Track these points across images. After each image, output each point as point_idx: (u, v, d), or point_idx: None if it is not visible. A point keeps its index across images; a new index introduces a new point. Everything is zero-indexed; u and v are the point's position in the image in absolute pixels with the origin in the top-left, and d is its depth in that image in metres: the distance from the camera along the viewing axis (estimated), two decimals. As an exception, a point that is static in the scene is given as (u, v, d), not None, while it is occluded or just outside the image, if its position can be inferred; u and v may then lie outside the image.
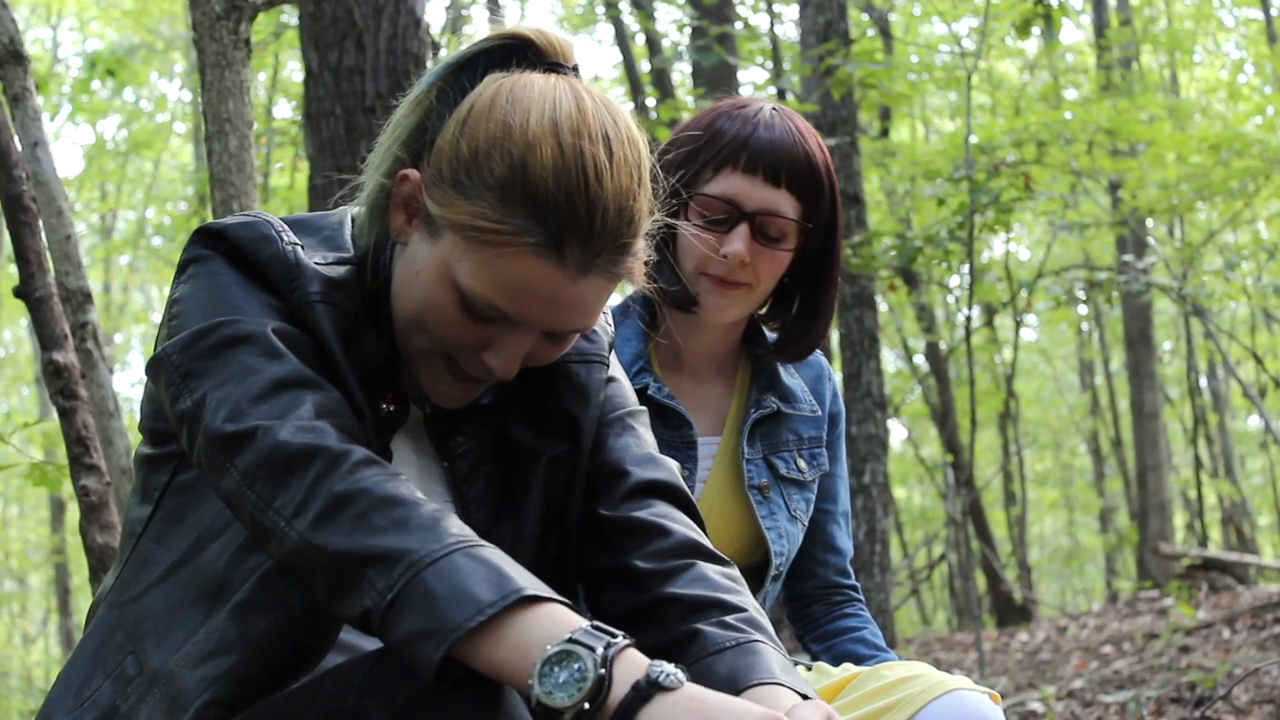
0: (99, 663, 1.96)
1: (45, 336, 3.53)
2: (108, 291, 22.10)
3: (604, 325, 2.22)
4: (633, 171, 1.86)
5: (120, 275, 22.50)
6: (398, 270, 1.98)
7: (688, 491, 2.14)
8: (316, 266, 1.96)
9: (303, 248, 1.97)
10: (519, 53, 1.93)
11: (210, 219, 2.16)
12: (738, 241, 2.66)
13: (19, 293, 3.56)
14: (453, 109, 1.89)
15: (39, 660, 24.25)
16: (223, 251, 1.96)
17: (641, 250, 1.92)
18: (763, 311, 2.87)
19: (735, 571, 2.07)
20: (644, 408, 2.24)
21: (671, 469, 2.16)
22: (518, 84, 1.87)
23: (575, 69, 1.95)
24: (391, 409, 2.02)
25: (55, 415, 3.59)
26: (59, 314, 3.56)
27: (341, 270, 1.98)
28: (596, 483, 2.12)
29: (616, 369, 2.24)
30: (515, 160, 1.81)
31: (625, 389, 2.23)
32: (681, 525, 2.07)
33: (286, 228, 1.99)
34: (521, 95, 1.85)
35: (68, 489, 3.70)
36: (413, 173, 1.92)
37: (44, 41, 21.00)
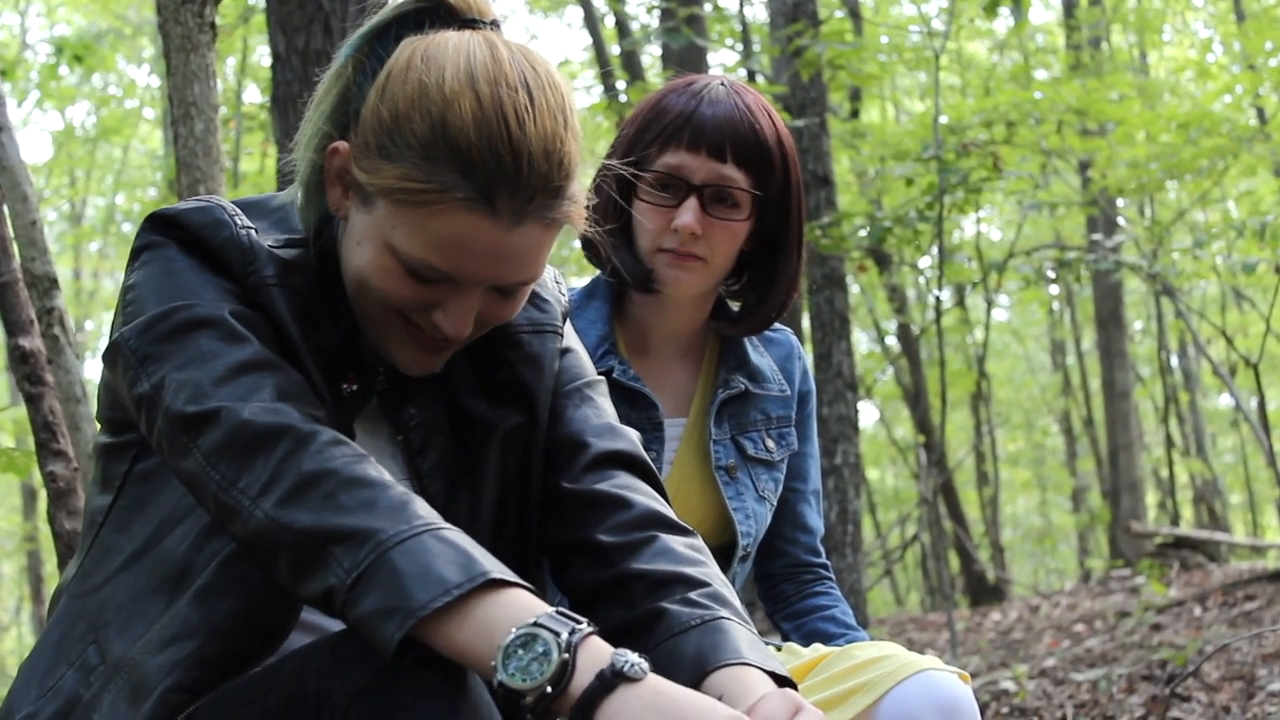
0: (62, 653, 1.96)
1: (11, 322, 3.51)
2: (78, 278, 22.00)
3: (556, 295, 2.21)
4: (557, 115, 1.84)
5: (90, 262, 22.40)
6: (343, 245, 1.97)
7: (649, 460, 2.14)
8: (271, 249, 1.95)
9: (256, 231, 1.96)
10: (433, 14, 1.92)
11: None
12: (688, 214, 2.67)
13: (-16, 279, 3.55)
14: (372, 78, 1.88)
15: (12, 648, 24.18)
16: (175, 237, 1.95)
17: (579, 194, 1.90)
18: (735, 288, 2.87)
19: (698, 541, 2.06)
20: (602, 378, 2.24)
21: (632, 438, 2.15)
22: (432, 43, 1.86)
23: (494, 23, 1.93)
24: (354, 389, 2.02)
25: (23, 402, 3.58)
26: (25, 300, 3.54)
27: (294, 252, 1.97)
28: (556, 455, 2.11)
29: (572, 339, 2.23)
30: (435, 117, 1.80)
31: (582, 359, 2.22)
32: (643, 496, 2.07)
33: (240, 211, 1.98)
34: (436, 53, 1.84)
35: (38, 476, 3.69)
36: (341, 145, 1.90)
37: (12, 28, 20.91)
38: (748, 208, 2.72)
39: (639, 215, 2.73)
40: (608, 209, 2.75)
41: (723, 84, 2.76)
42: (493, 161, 1.79)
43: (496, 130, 1.79)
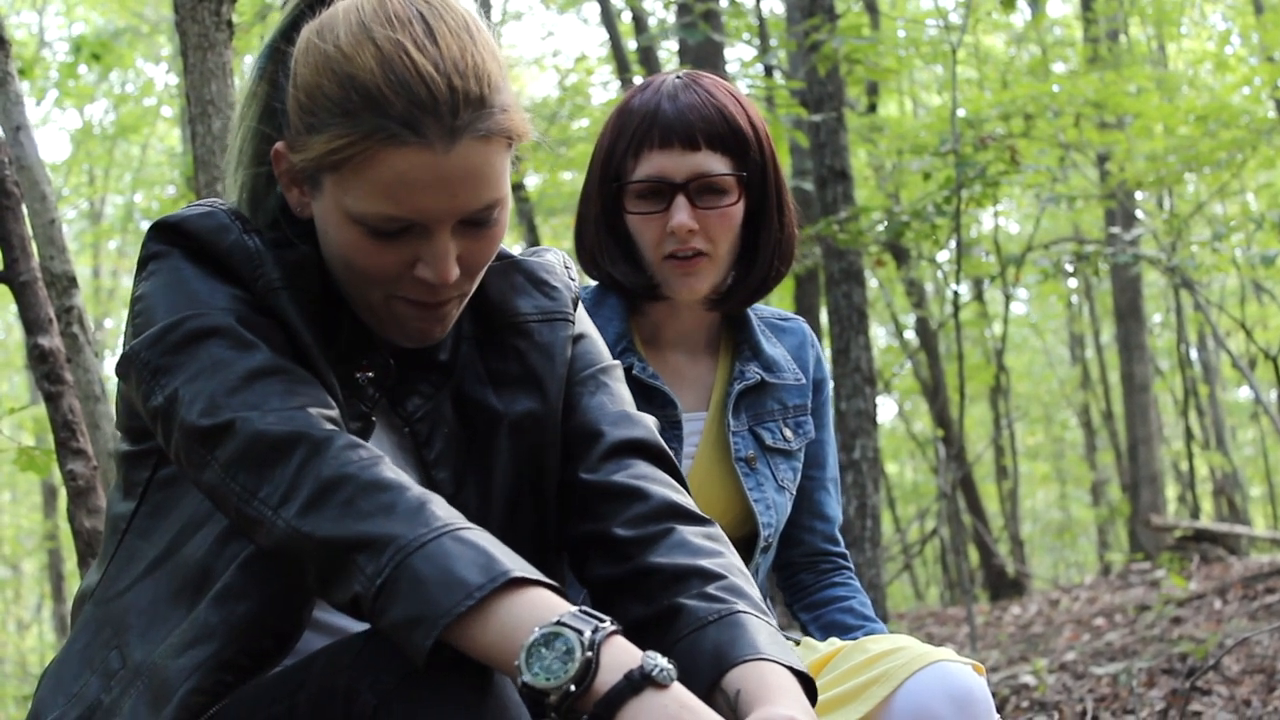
0: (86, 659, 1.96)
1: (30, 321, 3.53)
2: (97, 276, 22.03)
3: (566, 282, 2.20)
4: (460, 34, 1.85)
5: (109, 260, 22.44)
6: (321, 243, 1.97)
7: (666, 447, 2.13)
8: (276, 252, 1.95)
9: (260, 234, 1.96)
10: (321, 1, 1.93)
11: (196, 201, 2.14)
12: (681, 213, 2.68)
13: (3, 278, 3.56)
14: (288, 78, 1.89)
15: (33, 646, 24.24)
16: (181, 245, 1.94)
17: (511, 103, 1.88)
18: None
19: (716, 530, 2.05)
20: (617, 363, 2.23)
21: (649, 425, 2.14)
22: (323, 18, 1.87)
23: None
24: (369, 375, 2.01)
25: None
26: (44, 299, 3.56)
27: (295, 251, 1.97)
28: (572, 445, 2.10)
29: (585, 325, 2.22)
30: (342, 75, 1.81)
31: (596, 345, 2.21)
32: (660, 486, 2.05)
33: (241, 214, 1.98)
34: (329, 23, 1.86)
35: (58, 474, 3.71)
36: (279, 145, 1.91)
37: (30, 26, 20.93)
38: (735, 191, 2.72)
39: (632, 228, 2.75)
40: (600, 226, 2.76)
41: (679, 77, 2.77)
42: (404, 92, 1.79)
43: (400, 65, 1.80)
